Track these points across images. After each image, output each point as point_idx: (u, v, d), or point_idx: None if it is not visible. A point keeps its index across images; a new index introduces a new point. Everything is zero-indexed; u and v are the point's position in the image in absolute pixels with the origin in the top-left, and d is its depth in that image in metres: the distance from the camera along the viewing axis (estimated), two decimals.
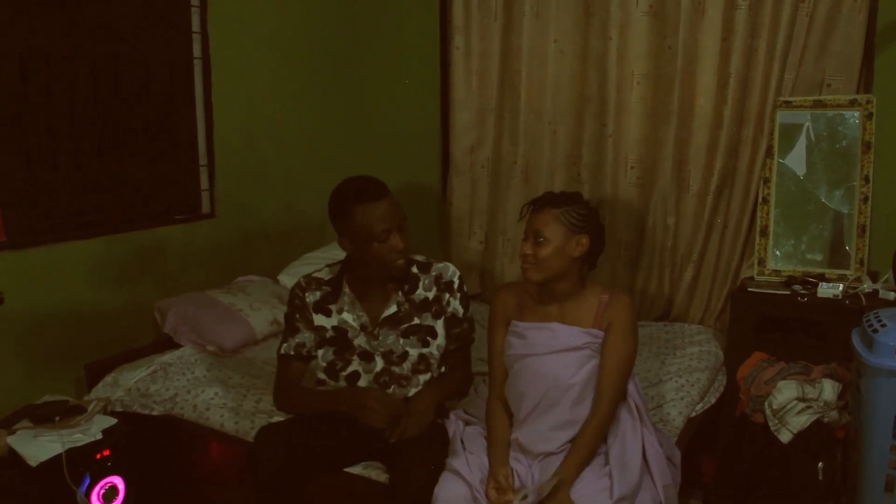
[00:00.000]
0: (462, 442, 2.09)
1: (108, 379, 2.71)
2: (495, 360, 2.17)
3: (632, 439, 2.03)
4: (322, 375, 2.26)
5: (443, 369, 2.27)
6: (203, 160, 3.26)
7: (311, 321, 2.24)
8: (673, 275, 3.30)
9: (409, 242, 2.16)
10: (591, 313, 2.08)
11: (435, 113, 3.79)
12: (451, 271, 2.26)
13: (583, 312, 2.09)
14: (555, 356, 2.06)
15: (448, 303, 2.24)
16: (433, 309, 2.23)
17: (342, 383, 2.23)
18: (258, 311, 3.05)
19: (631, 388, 2.12)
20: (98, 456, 2.30)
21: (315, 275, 2.28)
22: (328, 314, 2.23)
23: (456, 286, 2.25)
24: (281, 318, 2.88)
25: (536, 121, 3.51)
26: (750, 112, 3.03)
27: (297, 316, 2.24)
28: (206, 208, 3.28)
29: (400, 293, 2.21)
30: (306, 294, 2.24)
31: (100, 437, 2.32)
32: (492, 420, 2.12)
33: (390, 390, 2.23)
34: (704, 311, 3.24)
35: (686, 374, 2.71)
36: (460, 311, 2.26)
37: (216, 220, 3.30)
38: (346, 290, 2.23)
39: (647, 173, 3.30)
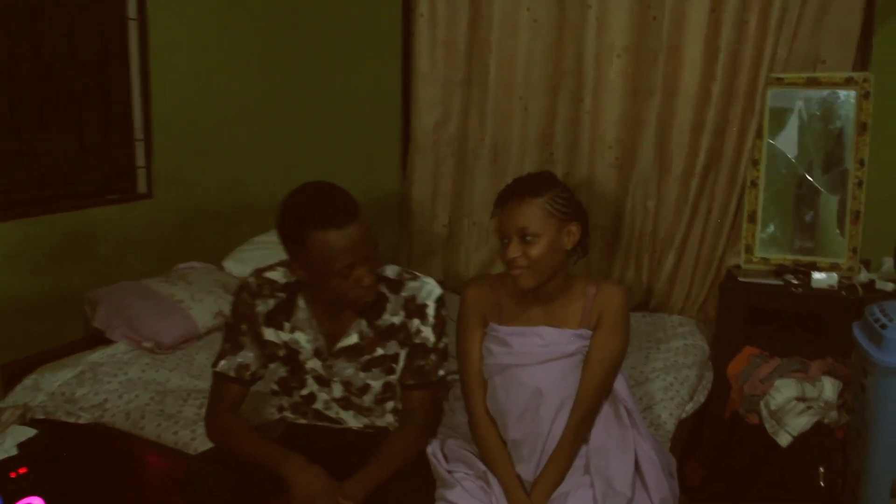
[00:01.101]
0: (446, 460, 1.86)
1: (28, 381, 2.49)
2: (472, 365, 1.91)
3: (618, 450, 1.85)
4: (275, 387, 1.98)
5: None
6: (139, 134, 3.06)
7: (260, 335, 1.87)
8: (652, 262, 3.21)
9: (376, 275, 1.77)
10: (577, 311, 1.87)
11: (396, 86, 3.66)
12: (426, 292, 1.84)
13: (569, 311, 1.88)
14: (546, 366, 1.84)
15: (417, 330, 1.83)
16: (399, 336, 1.85)
17: (297, 399, 1.95)
18: (200, 301, 2.85)
19: (620, 388, 1.92)
20: (13, 475, 2.09)
21: (268, 275, 1.87)
22: (280, 327, 1.87)
23: (430, 311, 1.83)
24: (227, 310, 2.61)
25: (507, 96, 3.38)
26: (739, 89, 2.93)
27: (244, 328, 1.87)
28: (142, 187, 3.10)
29: (363, 321, 1.84)
30: (257, 302, 1.86)
31: (15, 452, 2.12)
32: (485, 441, 1.87)
33: (350, 413, 1.94)
34: (685, 301, 3.15)
35: (673, 371, 2.57)
36: (431, 339, 1.84)
37: (154, 201, 3.11)
38: (302, 304, 1.85)
39: (627, 154, 3.20)
